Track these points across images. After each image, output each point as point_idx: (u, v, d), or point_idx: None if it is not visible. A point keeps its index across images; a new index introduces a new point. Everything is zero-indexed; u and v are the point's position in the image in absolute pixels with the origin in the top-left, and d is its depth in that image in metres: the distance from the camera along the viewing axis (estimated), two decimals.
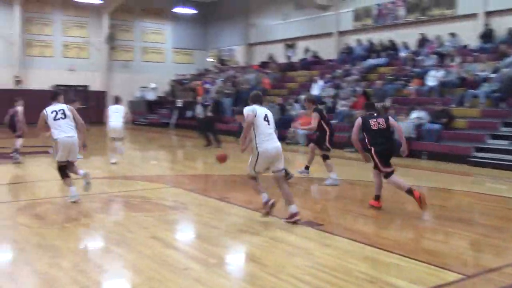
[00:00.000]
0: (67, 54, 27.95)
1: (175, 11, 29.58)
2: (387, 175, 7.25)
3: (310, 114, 9.60)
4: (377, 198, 7.47)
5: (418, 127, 14.45)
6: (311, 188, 9.90)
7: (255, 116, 6.31)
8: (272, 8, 27.28)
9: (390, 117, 7.72)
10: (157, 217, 6.84)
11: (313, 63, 23.45)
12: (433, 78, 16.50)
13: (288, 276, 4.54)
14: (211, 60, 31.26)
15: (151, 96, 29.02)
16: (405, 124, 13.61)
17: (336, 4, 23.33)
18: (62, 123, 7.57)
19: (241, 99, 22.15)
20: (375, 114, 7.61)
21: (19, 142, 12.21)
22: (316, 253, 5.27)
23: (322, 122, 9.40)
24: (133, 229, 6.15)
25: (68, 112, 7.67)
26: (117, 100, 12.49)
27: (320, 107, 10.72)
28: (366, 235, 6.13)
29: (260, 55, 28.02)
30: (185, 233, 6.47)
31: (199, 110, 17.81)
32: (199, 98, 19.80)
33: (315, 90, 19.66)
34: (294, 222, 6.35)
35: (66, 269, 4.66)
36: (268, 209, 6.49)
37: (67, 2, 27.39)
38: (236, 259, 5.43)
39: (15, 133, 12.29)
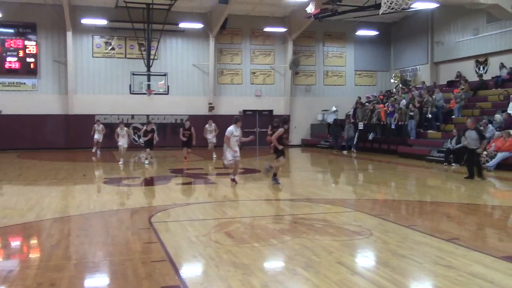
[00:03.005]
0: (254, 81, 29.65)
1: (357, 33, 29.59)
2: None
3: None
4: None
5: None
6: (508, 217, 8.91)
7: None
8: (460, 24, 25.66)
9: None
10: (342, 242, 6.75)
11: (510, 80, 21.36)
12: None
13: None
14: (394, 81, 30.43)
15: (332, 119, 29.24)
16: None
17: None
18: None
19: (426, 120, 21.14)
20: None
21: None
22: None
23: None
24: (319, 252, 6.14)
25: None
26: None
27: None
28: None
29: (447, 73, 26.50)
30: (371, 260, 6.23)
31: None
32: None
33: None
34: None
35: None
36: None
37: (255, 32, 29.22)
38: None
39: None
